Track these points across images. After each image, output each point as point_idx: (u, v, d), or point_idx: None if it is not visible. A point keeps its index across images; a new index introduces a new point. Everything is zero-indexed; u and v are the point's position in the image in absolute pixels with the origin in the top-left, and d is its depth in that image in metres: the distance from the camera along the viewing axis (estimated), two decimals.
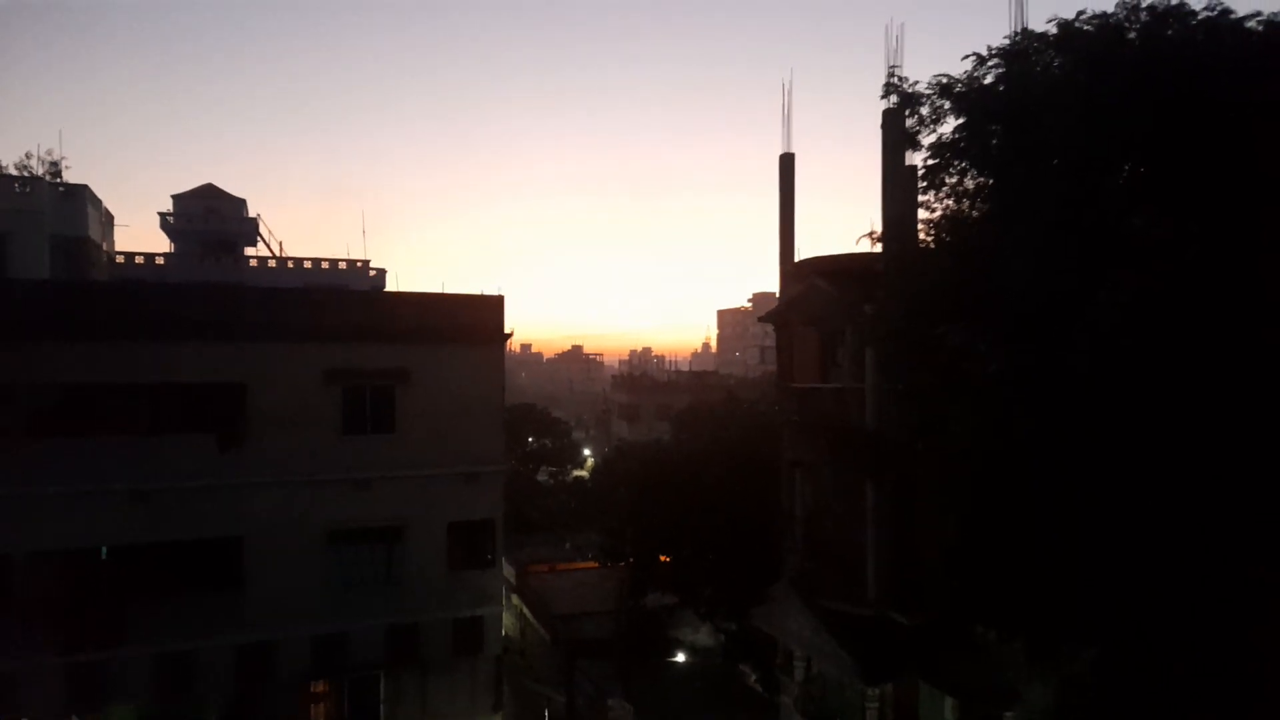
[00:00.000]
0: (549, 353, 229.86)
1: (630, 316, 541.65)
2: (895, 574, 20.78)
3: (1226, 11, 12.93)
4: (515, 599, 39.89)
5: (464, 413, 23.85)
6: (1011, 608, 14.18)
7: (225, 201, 56.46)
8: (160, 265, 50.11)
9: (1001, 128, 14.13)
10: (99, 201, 38.32)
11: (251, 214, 57.16)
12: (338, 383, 22.67)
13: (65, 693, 20.01)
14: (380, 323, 23.36)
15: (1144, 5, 13.29)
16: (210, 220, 54.96)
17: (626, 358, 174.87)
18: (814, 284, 23.14)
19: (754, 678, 30.26)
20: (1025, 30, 14.85)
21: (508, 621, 32.90)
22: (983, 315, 13.66)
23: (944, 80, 15.09)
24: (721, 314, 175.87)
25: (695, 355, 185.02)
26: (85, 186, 35.88)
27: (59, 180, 37.40)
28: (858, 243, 18.27)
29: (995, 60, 14.41)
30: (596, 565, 38.38)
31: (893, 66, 17.67)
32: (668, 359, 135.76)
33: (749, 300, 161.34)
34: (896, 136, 18.19)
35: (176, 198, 55.91)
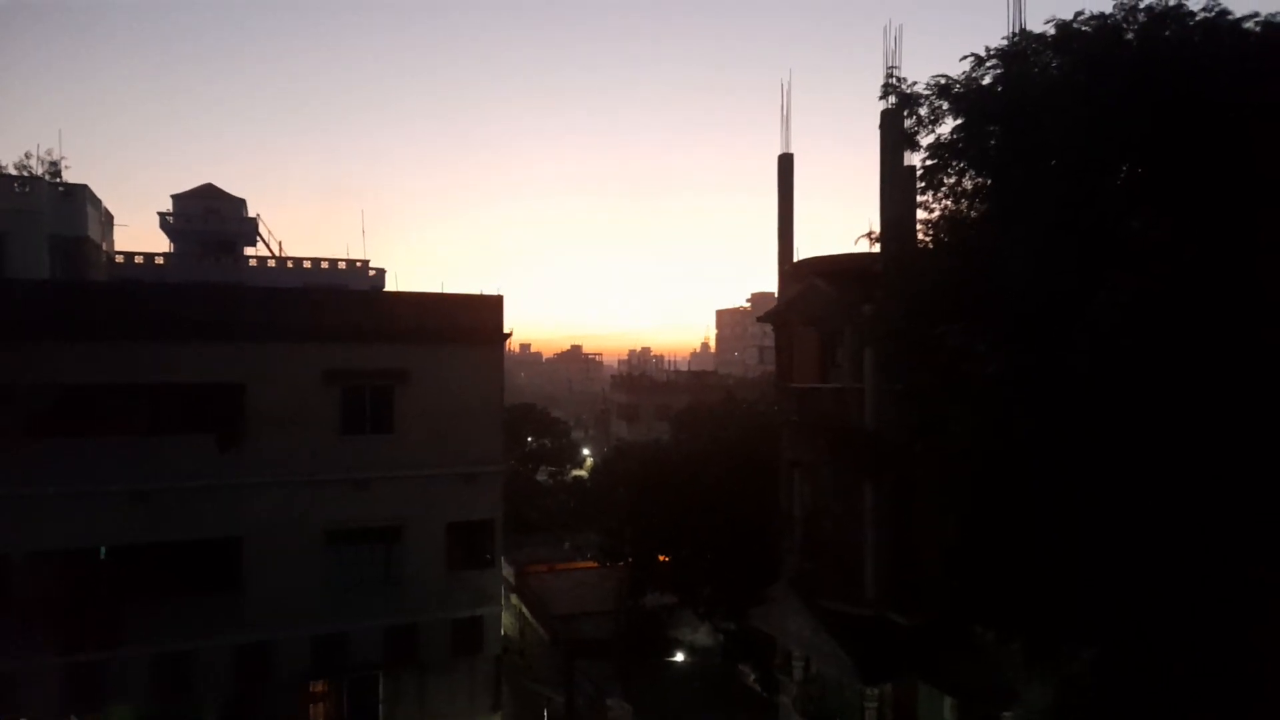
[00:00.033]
0: (548, 353, 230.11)
1: (629, 316, 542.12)
2: (894, 574, 20.79)
3: (1224, 12, 12.94)
4: (514, 599, 39.91)
5: (463, 413, 23.86)
6: (1011, 608, 14.19)
7: (225, 201, 56.44)
8: (160, 265, 50.09)
9: (1000, 129, 14.15)
10: (98, 201, 38.31)
11: (251, 214, 57.16)
12: (337, 383, 22.68)
13: (64, 693, 20.01)
14: (380, 323, 23.37)
15: (1142, 6, 13.30)
16: (210, 220, 54.94)
17: (626, 358, 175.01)
18: (813, 284, 23.16)
19: (753, 678, 30.28)
20: (1024, 31, 14.88)
21: (507, 622, 32.91)
22: (982, 315, 13.67)
23: (942, 81, 15.11)
24: (720, 314, 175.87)
25: (694, 355, 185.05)
26: (85, 186, 35.87)
27: (58, 180, 37.39)
28: (856, 243, 18.32)
29: (993, 61, 14.43)
30: (596, 565, 38.38)
31: (891, 67, 17.72)
32: (667, 359, 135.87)
33: (748, 300, 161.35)
34: (895, 137, 18.22)
35: (176, 198, 55.89)
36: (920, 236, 16.83)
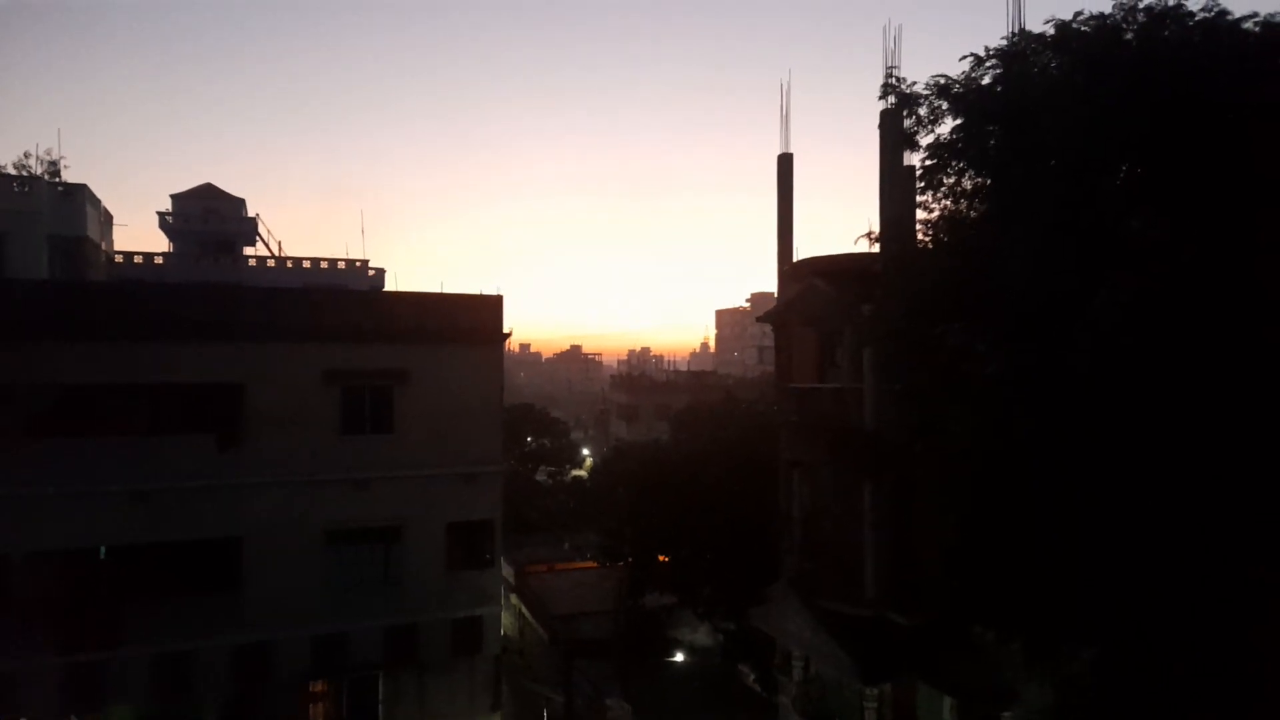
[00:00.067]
0: (548, 353, 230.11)
1: (629, 316, 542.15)
2: (894, 574, 20.79)
3: (1223, 13, 12.95)
4: (514, 599, 39.93)
5: (463, 413, 23.87)
6: (1011, 608, 14.20)
7: (224, 201, 56.42)
8: (159, 265, 50.06)
9: (999, 128, 14.15)
10: (98, 201, 38.30)
11: (251, 214, 57.12)
12: (336, 383, 22.68)
13: (64, 693, 20.01)
14: (379, 323, 23.37)
15: (1141, 6, 13.30)
16: (209, 220, 54.92)
17: (625, 358, 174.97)
18: (812, 284, 23.16)
19: (752, 678, 30.28)
20: (1023, 31, 14.88)
21: (506, 621, 32.92)
22: (982, 315, 13.68)
23: (942, 81, 15.11)
24: (720, 314, 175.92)
25: (694, 355, 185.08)
26: (84, 186, 35.86)
27: (58, 180, 37.37)
28: (856, 243, 18.31)
29: (993, 61, 14.43)
30: (595, 565, 38.41)
31: (891, 67, 17.72)
32: (666, 359, 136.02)
33: (747, 300, 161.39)
34: (895, 137, 18.22)
35: (175, 197, 55.87)
36: (920, 236, 16.82)
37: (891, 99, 16.39)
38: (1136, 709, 13.17)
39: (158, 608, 20.85)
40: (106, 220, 41.93)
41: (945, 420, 14.22)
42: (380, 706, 23.18)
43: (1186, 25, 13.01)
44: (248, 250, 55.33)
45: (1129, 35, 13.29)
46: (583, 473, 60.66)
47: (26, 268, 30.97)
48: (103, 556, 20.85)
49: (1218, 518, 11.98)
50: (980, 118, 14.42)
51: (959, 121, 14.90)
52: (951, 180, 15.33)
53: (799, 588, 22.95)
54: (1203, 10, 13.03)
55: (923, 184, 15.64)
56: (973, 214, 15.20)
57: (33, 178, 35.45)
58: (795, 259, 25.34)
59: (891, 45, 19.79)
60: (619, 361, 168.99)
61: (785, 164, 25.70)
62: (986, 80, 14.46)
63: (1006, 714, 18.66)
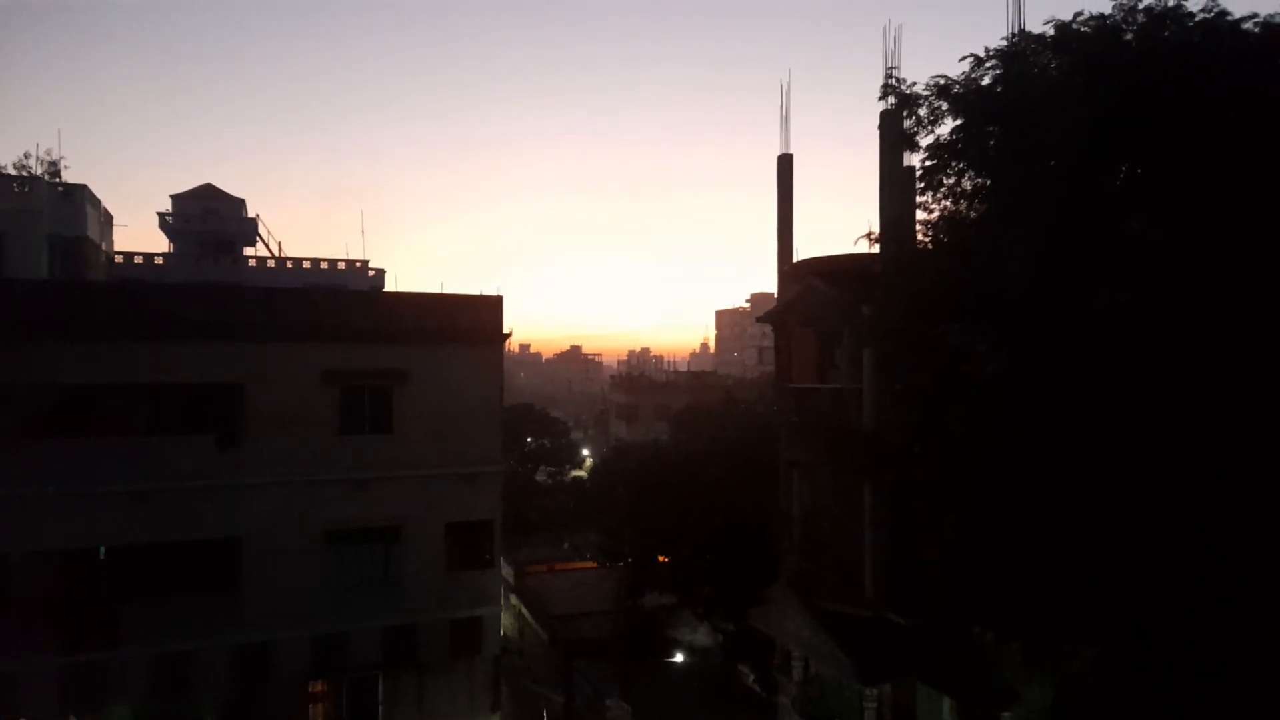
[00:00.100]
0: (548, 353, 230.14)
1: (629, 317, 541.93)
2: (893, 574, 20.81)
3: (1223, 13, 12.95)
4: (514, 599, 39.95)
5: (462, 413, 23.86)
6: (1010, 608, 14.20)
7: (224, 202, 56.44)
8: (159, 265, 50.10)
9: (999, 129, 14.15)
10: (98, 201, 38.31)
11: (250, 214, 57.16)
12: (336, 383, 22.68)
13: (63, 693, 20.00)
14: (379, 323, 23.37)
15: (1141, 7, 13.31)
16: (209, 220, 54.93)
17: (625, 358, 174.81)
18: (812, 285, 23.17)
19: (752, 678, 30.29)
20: (1023, 32, 14.88)
21: (506, 622, 32.92)
22: (982, 315, 13.69)
23: (942, 81, 15.11)
24: (720, 314, 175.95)
25: (693, 355, 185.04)
26: (84, 186, 35.88)
27: (58, 180, 37.38)
28: (856, 244, 18.30)
29: (993, 62, 14.43)
30: (595, 565, 38.42)
31: (891, 68, 17.77)
32: (666, 359, 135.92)
33: (747, 301, 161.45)
34: (894, 137, 18.22)
35: (175, 198, 55.88)
36: (920, 237, 16.83)
37: (891, 99, 16.39)
38: (1136, 708, 13.18)
39: (157, 608, 20.84)
40: (106, 220, 41.95)
41: (945, 420, 14.23)
42: (380, 707, 23.17)
43: (1186, 26, 13.01)
44: (248, 250, 55.36)
45: (1129, 36, 13.29)
46: (582, 473, 60.68)
47: (26, 268, 30.98)
48: (102, 556, 20.84)
49: (1217, 517, 11.98)
50: (980, 118, 14.43)
51: (959, 122, 14.90)
52: (951, 181, 15.33)
53: (798, 588, 22.96)
54: (1202, 11, 13.03)
55: (922, 184, 15.64)
56: (973, 214, 15.20)
57: (32, 178, 35.45)
58: (795, 259, 25.36)
59: (891, 46, 19.83)
60: (619, 362, 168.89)
61: (785, 164, 25.72)
62: (986, 81, 14.46)
63: (1006, 714, 18.68)
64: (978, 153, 14.58)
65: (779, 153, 25.71)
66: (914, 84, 15.85)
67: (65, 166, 39.95)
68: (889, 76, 16.51)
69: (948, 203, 15.60)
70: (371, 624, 22.86)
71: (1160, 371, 12.04)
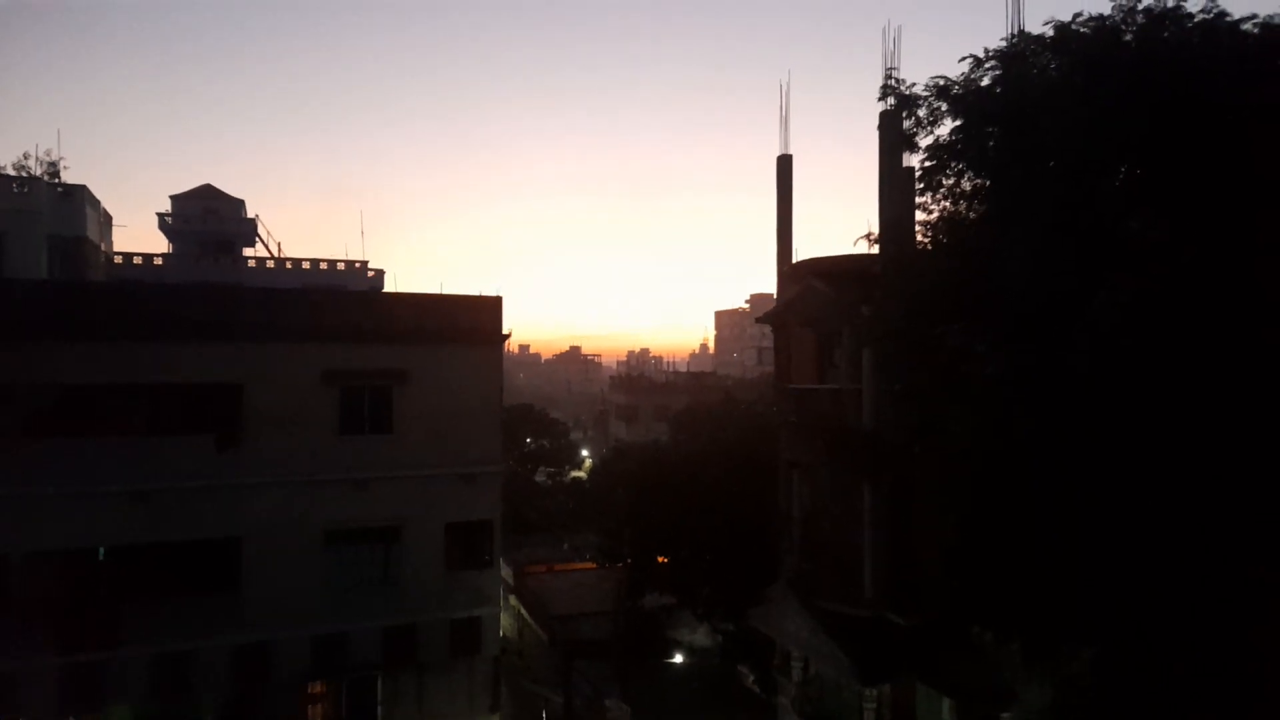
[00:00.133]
0: (547, 353, 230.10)
1: (628, 317, 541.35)
2: (892, 575, 20.81)
3: (1222, 14, 12.96)
4: (513, 600, 39.93)
5: (462, 413, 23.87)
6: (1010, 608, 14.21)
7: (224, 202, 56.42)
8: (158, 266, 50.09)
9: (998, 130, 14.16)
10: (97, 202, 38.31)
11: (250, 214, 57.13)
12: (336, 383, 22.69)
13: (63, 693, 20.01)
14: (378, 323, 23.39)
15: (1140, 7, 13.32)
16: (209, 221, 54.91)
17: (624, 358, 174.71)
18: (811, 285, 23.18)
19: (752, 678, 30.27)
20: (1022, 32, 14.89)
21: (505, 622, 32.91)
22: (981, 316, 13.69)
23: (941, 82, 15.12)
24: (719, 315, 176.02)
25: (693, 356, 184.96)
26: (83, 187, 35.87)
27: (57, 180, 37.38)
28: (855, 244, 18.31)
29: (992, 62, 14.44)
30: (594, 566, 38.37)
31: (890, 68, 17.77)
32: (665, 360, 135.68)
33: (747, 301, 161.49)
34: (894, 138, 18.23)
35: (175, 198, 55.86)
36: (919, 237, 16.84)
37: (891, 100, 16.39)
38: (1136, 709, 13.19)
39: (157, 608, 20.85)
40: (106, 221, 41.94)
41: (944, 421, 14.24)
42: (379, 707, 23.18)
43: (1185, 26, 13.02)
44: (247, 251, 55.32)
45: (1128, 36, 13.30)
46: (582, 473, 60.68)
47: (26, 268, 30.98)
48: (102, 557, 20.85)
49: (1217, 518, 11.99)
50: (979, 119, 14.43)
51: (958, 123, 14.91)
52: (951, 181, 15.34)
53: (798, 588, 22.96)
54: (1202, 11, 13.04)
55: (922, 185, 15.64)
56: (972, 215, 15.21)
57: (32, 178, 35.44)
58: (794, 260, 25.37)
59: (891, 46, 19.85)
60: (618, 362, 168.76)
61: (784, 165, 25.73)
62: (986, 81, 14.47)
63: (1005, 714, 18.68)
64: (977, 153, 14.59)
65: (778, 153, 25.72)
66: (913, 85, 15.88)
67: (65, 167, 39.95)
68: (888, 77, 16.51)
69: (947, 203, 15.61)
70: (371, 624, 22.87)
71: (1160, 372, 12.05)
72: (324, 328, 22.68)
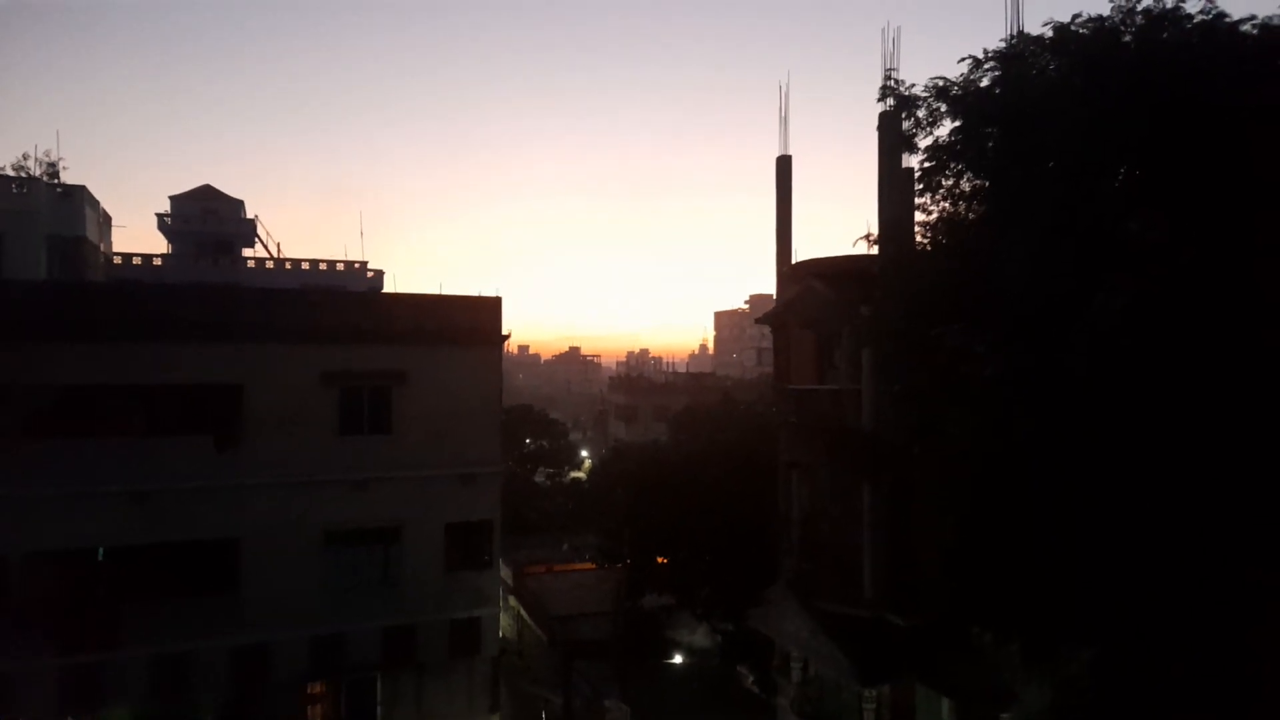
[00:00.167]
0: (547, 354, 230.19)
1: (628, 317, 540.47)
2: (892, 575, 20.81)
3: (1221, 15, 12.96)
4: (512, 600, 39.91)
5: (461, 414, 23.87)
6: (1009, 609, 14.21)
7: (223, 203, 56.45)
8: (158, 266, 50.16)
9: (998, 131, 14.16)
10: (96, 202, 38.31)
11: (249, 215, 57.17)
12: (335, 384, 22.68)
13: (62, 694, 19.99)
14: (377, 324, 23.38)
15: (1139, 9, 13.31)
16: (208, 221, 54.95)
17: (624, 359, 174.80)
18: (810, 286, 23.19)
19: (751, 679, 30.26)
20: (1021, 33, 14.90)
21: (505, 623, 32.92)
22: (980, 317, 13.69)
23: (940, 83, 15.11)
24: (719, 315, 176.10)
25: (692, 356, 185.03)
26: (83, 187, 35.88)
27: (56, 181, 37.39)
28: (855, 245, 18.32)
29: (991, 63, 14.44)
30: (594, 566, 38.37)
31: (889, 69, 17.75)
32: (665, 360, 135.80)
33: (746, 302, 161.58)
34: (893, 139, 18.24)
35: (174, 199, 55.88)
36: (918, 238, 16.84)
37: (890, 101, 16.39)
38: (1135, 710, 13.19)
39: (156, 608, 20.84)
40: (105, 221, 41.94)
41: (944, 421, 14.24)
42: (379, 708, 23.17)
43: (1185, 28, 13.02)
44: (246, 251, 55.37)
45: (1127, 37, 13.30)
46: (581, 474, 60.69)
47: (25, 268, 30.98)
48: (101, 557, 20.84)
49: (1216, 519, 11.99)
50: (979, 120, 14.43)
51: (957, 123, 14.90)
52: (950, 182, 15.34)
53: (797, 589, 22.96)
54: (1201, 13, 13.03)
55: (921, 186, 15.64)
56: (971, 216, 15.21)
57: (31, 179, 35.48)
58: (794, 260, 25.38)
59: (890, 47, 19.87)
60: (618, 363, 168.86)
61: (784, 166, 25.74)
62: (985, 82, 14.47)
63: (1005, 715, 18.67)
64: (976, 154, 14.59)
65: (778, 154, 25.74)
66: (913, 85, 15.87)
67: (64, 168, 40.03)
68: (888, 78, 16.52)
69: (946, 204, 15.61)
70: (370, 625, 22.86)
71: (1158, 374, 12.06)
72: (323, 328, 22.67)
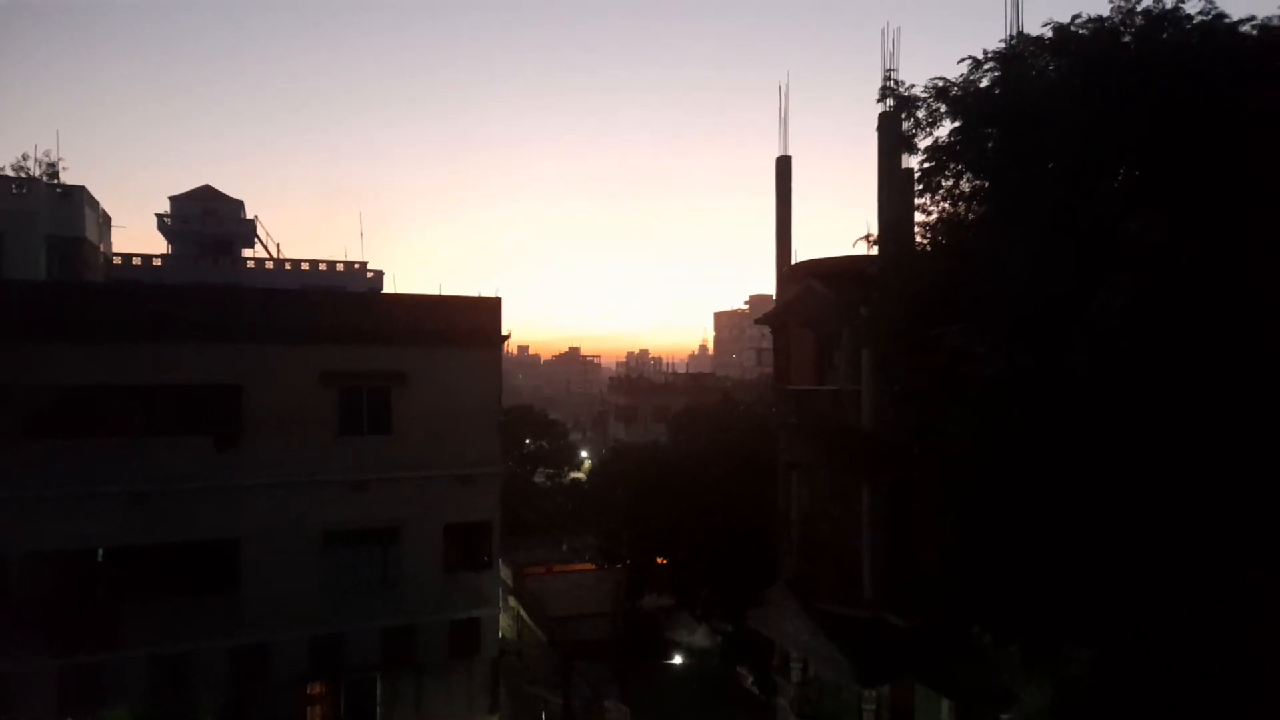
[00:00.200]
0: (546, 354, 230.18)
1: (628, 318, 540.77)
2: (892, 576, 20.81)
3: (1221, 16, 12.95)
4: (512, 601, 39.92)
5: (461, 414, 23.87)
6: (1009, 609, 14.20)
7: (222, 203, 56.49)
8: (157, 267, 50.19)
9: (997, 131, 14.15)
10: (96, 203, 38.30)
11: (249, 215, 57.23)
12: (334, 384, 22.68)
13: (62, 694, 19.99)
14: (377, 324, 23.38)
15: (1139, 9, 13.31)
16: (207, 222, 54.99)
17: (624, 359, 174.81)
18: (810, 286, 23.19)
19: (751, 680, 30.25)
20: (1021, 34, 14.90)
21: (504, 623, 32.93)
22: (980, 317, 13.69)
23: (940, 84, 15.11)
24: (718, 316, 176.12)
25: (692, 357, 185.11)
26: (82, 188, 35.87)
27: (56, 181, 37.39)
28: (854, 245, 18.31)
29: (991, 64, 14.43)
30: (593, 567, 38.41)
31: (889, 70, 17.79)
32: (665, 361, 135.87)
33: (746, 303, 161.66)
34: (893, 139, 18.24)
35: (174, 199, 55.92)
36: (918, 238, 16.83)
37: (890, 101, 16.39)
38: (1135, 711, 13.18)
39: (156, 609, 20.84)
40: (105, 221, 41.93)
41: (943, 422, 14.23)
42: (378, 708, 23.17)
43: (1184, 28, 13.02)
44: (246, 252, 55.42)
45: (1127, 38, 13.30)
46: (581, 474, 60.69)
47: (25, 268, 30.99)
48: (101, 558, 20.84)
49: (1216, 520, 11.99)
50: (978, 120, 14.43)
51: (957, 124, 14.90)
52: (950, 183, 15.33)
53: (797, 589, 22.96)
54: (1200, 13, 13.03)
55: (921, 186, 15.63)
56: (971, 216, 15.21)
57: (31, 179, 35.47)
58: (794, 261, 25.38)
59: (890, 48, 19.87)
60: (617, 363, 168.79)
61: (784, 166, 25.74)
62: (985, 83, 14.47)
63: (1004, 715, 18.66)
64: (976, 155, 14.58)
65: (778, 154, 25.74)
66: (912, 86, 15.86)
67: (64, 168, 40.02)
68: (887, 79, 16.52)
69: (946, 204, 15.60)
70: (370, 625, 22.86)
71: (1158, 374, 12.06)
72: (323, 329, 22.68)
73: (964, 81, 14.74)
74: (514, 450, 55.09)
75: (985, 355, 13.28)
